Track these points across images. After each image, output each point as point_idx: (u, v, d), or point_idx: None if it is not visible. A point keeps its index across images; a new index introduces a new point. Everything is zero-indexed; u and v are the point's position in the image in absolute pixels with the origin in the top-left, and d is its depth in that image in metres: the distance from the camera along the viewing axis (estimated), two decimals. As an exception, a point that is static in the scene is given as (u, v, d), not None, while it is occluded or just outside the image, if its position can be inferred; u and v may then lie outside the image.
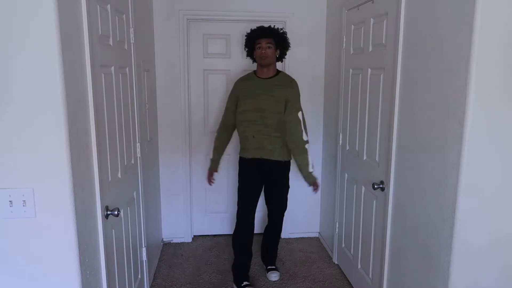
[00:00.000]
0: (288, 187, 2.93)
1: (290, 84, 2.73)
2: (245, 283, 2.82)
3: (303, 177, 2.78)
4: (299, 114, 2.70)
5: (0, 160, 1.34)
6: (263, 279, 3.00)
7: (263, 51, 2.66)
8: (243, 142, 2.79)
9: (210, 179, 2.98)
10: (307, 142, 2.71)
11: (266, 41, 2.66)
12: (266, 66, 2.71)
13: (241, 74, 3.51)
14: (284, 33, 2.78)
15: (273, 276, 2.99)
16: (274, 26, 2.80)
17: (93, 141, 1.62)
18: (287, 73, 3.45)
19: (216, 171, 2.98)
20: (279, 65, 3.48)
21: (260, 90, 2.71)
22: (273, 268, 3.06)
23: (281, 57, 2.83)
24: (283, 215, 3.00)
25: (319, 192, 3.69)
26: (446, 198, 1.68)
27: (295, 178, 3.63)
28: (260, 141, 2.72)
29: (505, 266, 1.68)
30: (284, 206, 2.95)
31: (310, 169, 2.72)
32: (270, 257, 3.09)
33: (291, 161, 2.86)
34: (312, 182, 2.75)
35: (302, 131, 2.69)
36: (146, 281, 2.68)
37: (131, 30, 2.33)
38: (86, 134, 1.56)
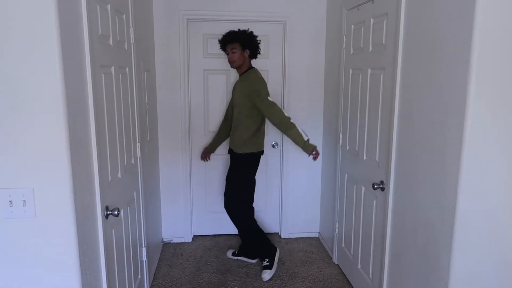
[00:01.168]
0: (237, 178, 3.04)
1: (248, 79, 2.95)
2: (232, 251, 3.34)
3: (302, 149, 2.84)
4: (269, 98, 2.85)
5: (0, 160, 1.34)
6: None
7: (229, 57, 2.97)
8: None
9: (203, 155, 3.46)
10: (290, 118, 2.82)
11: (231, 47, 2.95)
12: (237, 68, 3.01)
13: (241, 74, 3.53)
14: (249, 34, 2.97)
15: (265, 276, 2.98)
16: (239, 29, 3.03)
17: (93, 141, 1.62)
18: (287, 72, 3.47)
19: (211, 151, 3.43)
20: (278, 63, 3.49)
21: (236, 87, 3.05)
22: (265, 266, 3.06)
23: (254, 55, 3.03)
24: (235, 204, 3.05)
25: (319, 190, 3.69)
26: (446, 198, 1.68)
27: (296, 178, 3.64)
28: (232, 133, 3.07)
29: (506, 266, 1.68)
30: (231, 193, 3.05)
31: (305, 138, 2.79)
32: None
33: (247, 156, 2.98)
34: (310, 150, 2.79)
35: (281, 110, 2.83)
36: (146, 281, 2.68)
37: (131, 30, 2.33)
38: (86, 134, 1.56)
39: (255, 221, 3.10)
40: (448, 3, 1.65)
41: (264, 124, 3.07)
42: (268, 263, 3.06)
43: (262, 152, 3.07)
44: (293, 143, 3.58)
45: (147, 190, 2.81)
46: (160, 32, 3.30)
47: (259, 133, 3.02)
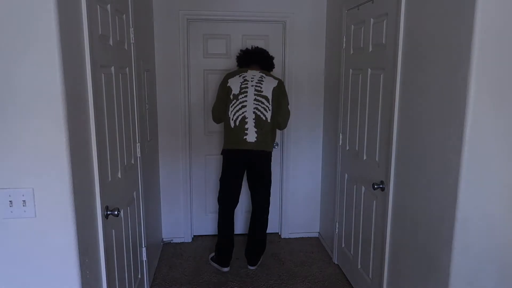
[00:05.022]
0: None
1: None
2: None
3: None
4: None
5: (0, 160, 1.34)
6: (262, 278, 3.01)
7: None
8: None
9: None
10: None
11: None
12: None
13: (241, 74, 3.52)
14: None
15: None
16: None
17: (93, 141, 1.62)
18: (287, 72, 3.48)
19: None
20: (279, 63, 3.49)
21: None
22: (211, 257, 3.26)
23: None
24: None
25: (319, 190, 3.69)
26: (446, 198, 1.68)
27: (296, 178, 3.64)
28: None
29: (505, 266, 1.68)
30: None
31: None
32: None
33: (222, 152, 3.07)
34: None
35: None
36: (146, 281, 2.68)
37: (131, 30, 2.33)
38: (86, 134, 1.56)
39: None
40: (448, 3, 1.65)
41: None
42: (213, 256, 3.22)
43: None
44: (293, 143, 3.58)
45: (147, 190, 2.81)
46: (160, 32, 3.30)
47: None
